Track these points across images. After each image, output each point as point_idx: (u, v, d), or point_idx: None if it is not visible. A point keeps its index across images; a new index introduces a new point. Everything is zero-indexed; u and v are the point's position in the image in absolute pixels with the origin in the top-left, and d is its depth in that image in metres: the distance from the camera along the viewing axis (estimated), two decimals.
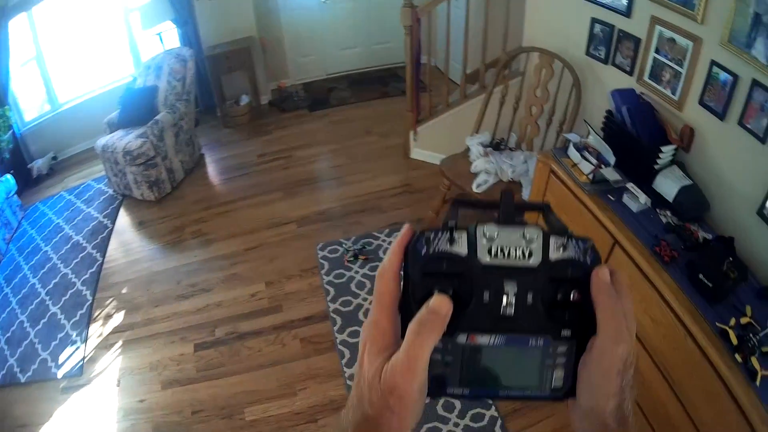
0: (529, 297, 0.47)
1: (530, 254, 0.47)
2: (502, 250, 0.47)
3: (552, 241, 0.48)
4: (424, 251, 0.48)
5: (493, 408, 2.89)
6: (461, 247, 0.48)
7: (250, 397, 3.18)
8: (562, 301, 0.48)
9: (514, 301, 0.47)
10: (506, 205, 0.50)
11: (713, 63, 2.39)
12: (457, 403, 2.90)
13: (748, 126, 2.26)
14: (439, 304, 0.46)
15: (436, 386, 0.49)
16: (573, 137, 2.85)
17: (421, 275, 0.48)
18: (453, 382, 0.50)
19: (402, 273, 0.50)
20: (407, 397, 0.46)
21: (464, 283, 0.47)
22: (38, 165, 5.57)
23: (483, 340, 0.48)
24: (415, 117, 4.65)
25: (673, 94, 2.65)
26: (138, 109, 4.97)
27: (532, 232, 0.48)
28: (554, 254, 0.48)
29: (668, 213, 2.48)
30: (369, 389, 0.47)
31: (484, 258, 0.47)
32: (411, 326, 0.46)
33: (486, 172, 3.45)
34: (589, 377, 0.48)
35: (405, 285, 0.50)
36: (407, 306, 0.49)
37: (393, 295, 0.49)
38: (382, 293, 0.49)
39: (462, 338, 0.48)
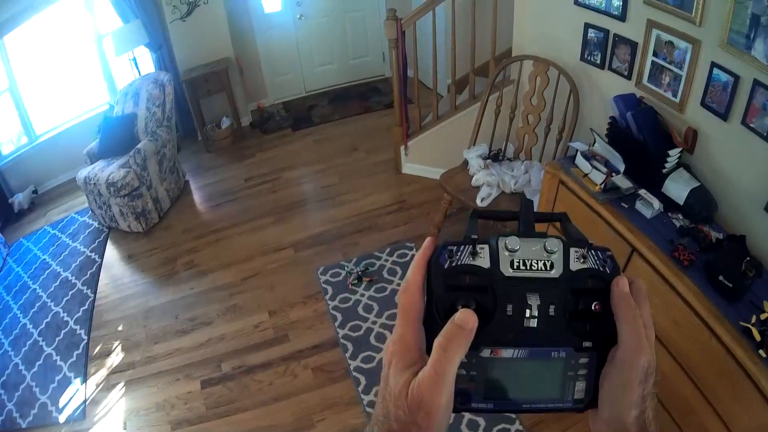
0: (552, 309, 0.48)
1: (551, 266, 0.48)
2: (524, 263, 0.48)
3: (572, 252, 0.49)
4: (447, 264, 0.49)
5: (518, 422, 2.85)
6: (484, 260, 0.48)
7: None
8: (583, 312, 0.49)
9: (537, 314, 0.47)
10: (526, 217, 0.52)
11: (713, 64, 2.38)
12: (482, 421, 2.86)
13: (752, 125, 2.27)
14: (466, 319, 0.46)
15: (462, 401, 0.50)
16: (579, 146, 2.83)
17: (445, 288, 0.48)
18: (477, 396, 0.50)
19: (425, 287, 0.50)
20: (434, 413, 0.46)
21: (487, 297, 0.48)
22: (19, 199, 5.44)
23: (507, 353, 0.49)
24: (404, 131, 4.61)
25: (674, 96, 2.65)
26: (118, 138, 4.86)
27: (552, 243, 0.48)
28: (575, 265, 0.49)
29: (680, 216, 2.48)
30: (395, 405, 0.47)
31: (507, 270, 0.48)
32: (438, 341, 0.46)
33: (488, 184, 3.42)
34: (610, 387, 0.49)
35: (428, 299, 0.50)
36: (431, 320, 0.49)
37: (418, 309, 0.49)
38: (406, 308, 0.49)
39: (486, 352, 0.49)
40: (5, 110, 5.47)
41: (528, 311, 0.47)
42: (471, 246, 0.49)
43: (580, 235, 0.52)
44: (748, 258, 2.15)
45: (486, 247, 0.49)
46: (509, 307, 0.48)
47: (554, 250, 0.48)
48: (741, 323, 1.96)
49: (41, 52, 5.58)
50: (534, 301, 0.47)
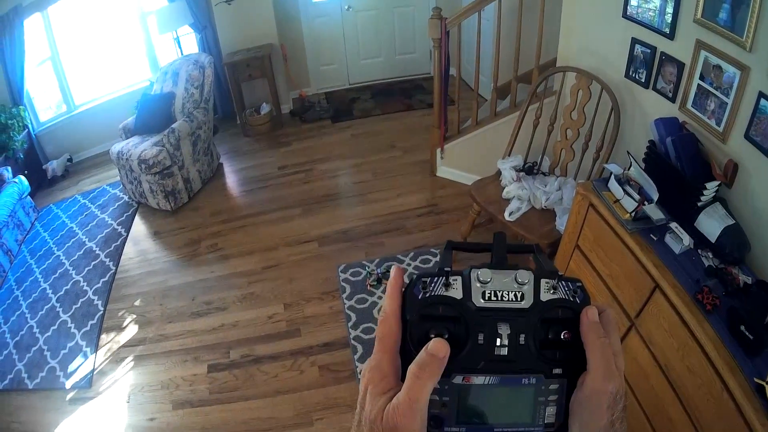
0: (522, 338, 0.49)
1: (522, 297, 0.50)
2: (495, 294, 0.50)
3: (542, 283, 0.50)
4: (421, 295, 0.50)
5: None
6: (456, 291, 0.50)
7: (265, 424, 3.07)
8: (553, 341, 0.50)
9: (507, 343, 0.49)
10: (498, 249, 0.53)
11: (761, 95, 2.23)
12: None
13: None
14: (438, 348, 0.47)
15: (435, 425, 0.50)
16: (614, 168, 2.70)
17: (419, 318, 0.50)
18: (450, 421, 0.51)
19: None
20: None
21: (460, 326, 0.49)
22: (53, 166, 5.55)
23: (478, 380, 0.50)
24: (442, 134, 4.52)
25: (718, 125, 2.49)
26: (154, 116, 4.91)
27: (523, 275, 0.50)
28: (545, 296, 0.50)
29: (710, 254, 2.33)
30: (370, 429, 0.48)
31: (479, 301, 0.49)
32: (411, 369, 0.47)
33: (518, 198, 3.31)
34: (580, 413, 0.50)
35: (403, 328, 0.51)
36: (406, 348, 0.50)
37: (394, 338, 0.51)
38: (383, 337, 0.51)
39: (458, 379, 0.50)
40: (46, 79, 5.59)
41: (498, 340, 0.49)
42: (444, 278, 0.50)
43: (551, 267, 0.53)
44: None
45: (459, 278, 0.50)
46: (480, 336, 0.49)
47: (525, 282, 0.50)
48: (756, 380, 1.83)
49: (86, 24, 5.67)
50: (504, 330, 0.49)
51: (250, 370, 3.37)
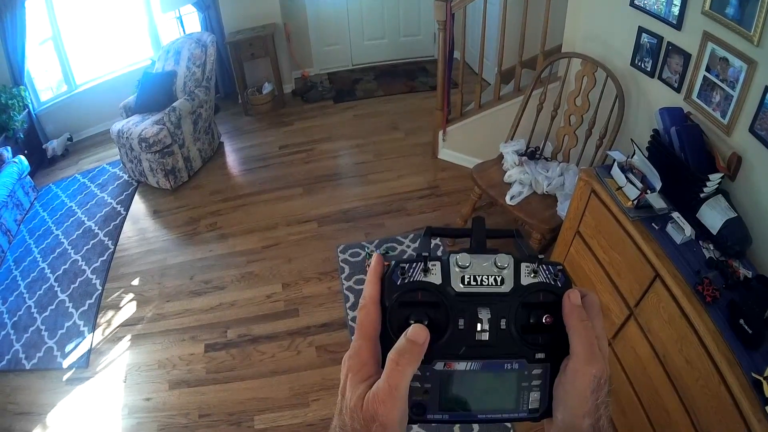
0: (503, 322, 0.49)
1: (502, 281, 0.50)
2: (474, 278, 0.49)
3: (523, 267, 0.50)
4: (399, 282, 0.50)
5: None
6: (436, 277, 0.50)
7: (261, 404, 3.09)
8: (535, 325, 0.50)
9: (488, 327, 0.49)
10: (478, 234, 0.54)
11: (767, 90, 2.21)
12: None
13: None
14: (417, 334, 0.47)
15: (417, 412, 0.51)
16: (617, 155, 2.68)
17: (398, 305, 0.50)
18: (433, 407, 0.51)
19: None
20: (389, 425, 0.47)
21: (440, 312, 0.49)
22: (53, 146, 5.52)
23: (460, 366, 0.50)
24: (444, 116, 4.49)
25: (723, 117, 2.47)
26: (155, 95, 4.87)
27: (503, 259, 0.50)
28: (525, 280, 0.50)
29: (711, 246, 2.32)
30: (351, 418, 0.48)
31: (458, 286, 0.49)
32: (390, 355, 0.47)
33: (520, 182, 3.30)
34: (564, 397, 0.50)
35: (383, 315, 0.51)
36: (386, 335, 0.50)
37: (374, 325, 0.50)
38: (363, 324, 0.51)
39: (439, 365, 0.50)
40: (47, 58, 5.56)
41: (479, 325, 0.49)
42: (423, 263, 0.50)
43: (531, 251, 0.53)
44: None
45: (438, 264, 0.50)
46: (461, 322, 0.49)
47: (505, 266, 0.50)
48: (753, 375, 1.82)
49: (88, 3, 5.62)
50: (485, 315, 0.49)
51: (247, 350, 3.38)
